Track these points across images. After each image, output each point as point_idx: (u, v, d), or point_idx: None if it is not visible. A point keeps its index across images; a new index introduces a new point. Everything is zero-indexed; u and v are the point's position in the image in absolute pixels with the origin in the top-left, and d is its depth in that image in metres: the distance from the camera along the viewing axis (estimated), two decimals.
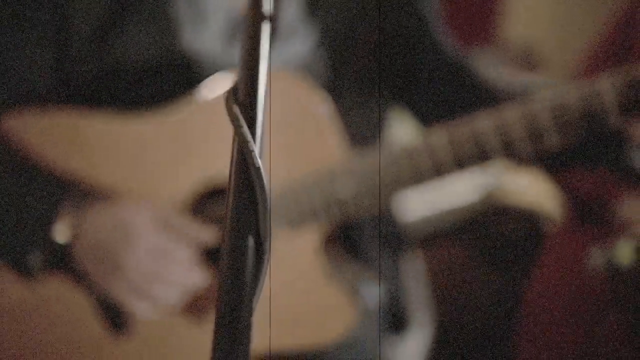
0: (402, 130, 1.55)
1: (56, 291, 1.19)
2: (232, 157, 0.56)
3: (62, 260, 1.13)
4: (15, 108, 1.28)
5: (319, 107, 1.12)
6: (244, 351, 0.44)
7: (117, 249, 1.09)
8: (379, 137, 1.33)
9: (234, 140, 0.57)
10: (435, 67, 1.32)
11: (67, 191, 1.16)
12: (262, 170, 0.53)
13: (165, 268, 1.09)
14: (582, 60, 1.76)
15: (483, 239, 2.67)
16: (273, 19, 0.68)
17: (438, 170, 1.07)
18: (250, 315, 0.47)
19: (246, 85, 0.61)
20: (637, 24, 1.62)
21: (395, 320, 1.41)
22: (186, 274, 1.09)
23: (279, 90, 1.05)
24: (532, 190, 2.43)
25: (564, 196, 1.73)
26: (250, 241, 0.50)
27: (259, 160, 0.54)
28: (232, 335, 0.44)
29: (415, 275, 1.66)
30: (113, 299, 1.13)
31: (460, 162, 1.06)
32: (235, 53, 1.22)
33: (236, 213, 0.52)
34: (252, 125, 0.58)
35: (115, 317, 1.14)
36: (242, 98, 0.60)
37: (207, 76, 1.25)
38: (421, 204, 2.45)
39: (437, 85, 1.32)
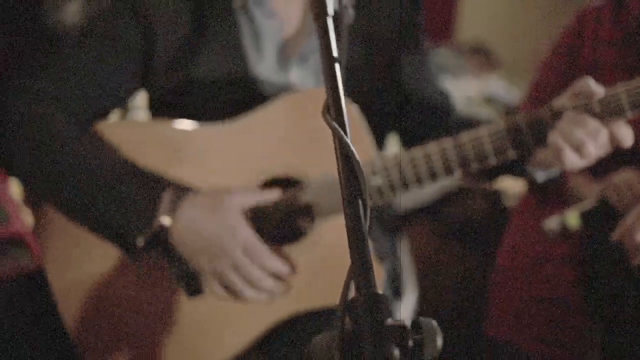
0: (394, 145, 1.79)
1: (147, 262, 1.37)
2: (337, 154, 0.82)
3: (160, 242, 1.30)
4: (104, 116, 1.44)
5: (354, 113, 1.35)
6: (369, 266, 0.72)
7: (221, 237, 1.28)
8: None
9: (335, 142, 0.83)
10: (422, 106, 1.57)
11: (166, 186, 1.31)
12: (360, 162, 0.80)
13: (244, 275, 1.31)
14: (538, 63, 2.00)
15: (450, 217, 2.91)
16: (341, 60, 0.94)
17: (418, 179, 1.33)
18: (367, 243, 0.74)
19: (334, 102, 0.88)
20: (584, 32, 1.87)
21: (394, 287, 1.67)
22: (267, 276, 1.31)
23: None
24: None
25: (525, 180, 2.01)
26: (359, 205, 0.77)
27: (357, 155, 0.80)
28: (362, 252, 0.72)
29: (404, 252, 1.94)
30: (194, 272, 1.33)
31: (432, 174, 1.32)
32: (286, 77, 1.45)
33: (348, 190, 0.78)
34: (344, 129, 0.85)
35: (191, 285, 1.35)
36: (333, 111, 0.87)
37: (265, 96, 1.42)
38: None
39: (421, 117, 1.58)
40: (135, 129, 1.43)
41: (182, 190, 1.31)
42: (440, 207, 2.89)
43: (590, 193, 1.72)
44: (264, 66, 1.44)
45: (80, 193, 1.32)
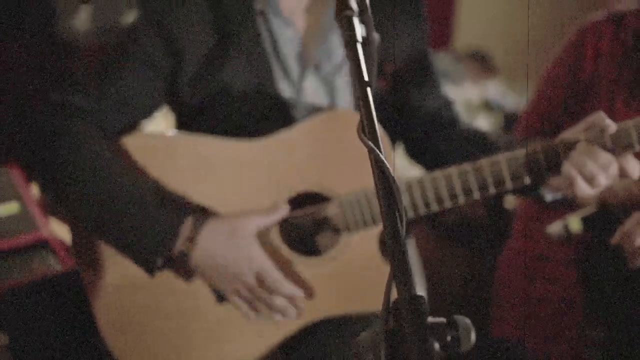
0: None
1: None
2: (373, 171, 0.92)
3: (179, 264, 1.41)
4: (131, 131, 1.51)
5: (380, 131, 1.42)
6: (408, 271, 0.81)
7: (238, 264, 1.37)
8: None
9: (371, 160, 0.92)
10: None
11: (188, 213, 1.39)
12: (396, 178, 0.90)
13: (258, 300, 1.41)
14: (541, 77, 2.08)
15: (449, 220, 2.99)
16: (372, 84, 1.03)
17: (438, 198, 1.40)
18: (405, 250, 0.83)
19: (368, 123, 0.98)
20: (585, 47, 1.95)
21: None
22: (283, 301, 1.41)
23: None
24: None
25: None
26: (396, 217, 0.86)
27: (393, 172, 0.90)
28: (401, 258, 0.82)
29: (413, 251, 2.02)
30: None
31: (452, 195, 1.40)
32: (301, 86, 1.53)
33: (385, 203, 0.88)
34: (378, 148, 0.94)
35: (218, 292, 1.45)
36: (368, 132, 0.96)
37: (288, 105, 1.49)
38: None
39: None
40: (164, 142, 1.49)
41: (202, 217, 1.39)
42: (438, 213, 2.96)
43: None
44: (285, 75, 1.51)
45: (104, 210, 1.39)
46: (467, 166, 1.40)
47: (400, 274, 0.81)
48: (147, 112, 1.54)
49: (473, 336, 0.77)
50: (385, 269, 1.44)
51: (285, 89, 1.51)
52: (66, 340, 1.93)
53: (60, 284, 1.96)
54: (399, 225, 0.86)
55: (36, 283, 1.92)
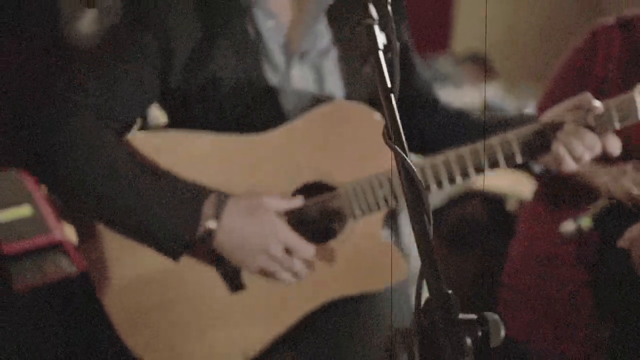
0: None
1: (189, 261, 1.47)
2: (400, 172, 0.95)
3: (204, 245, 1.41)
4: (128, 129, 1.52)
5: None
6: (437, 269, 0.85)
7: (263, 238, 1.41)
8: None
9: (398, 164, 0.96)
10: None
11: (208, 192, 1.41)
12: (421, 180, 0.93)
13: (285, 265, 1.45)
14: (550, 80, 2.11)
15: (452, 222, 3.03)
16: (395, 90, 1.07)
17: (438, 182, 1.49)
18: (433, 250, 0.87)
19: (393, 128, 1.01)
20: (596, 50, 1.98)
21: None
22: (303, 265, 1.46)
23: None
24: (502, 175, 2.69)
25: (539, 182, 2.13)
26: (423, 219, 0.90)
27: (417, 173, 0.93)
28: (430, 258, 0.85)
29: None
30: (235, 270, 1.46)
31: (450, 178, 1.48)
32: (289, 75, 1.54)
33: (412, 202, 0.91)
34: (403, 149, 0.97)
35: (234, 281, 1.48)
36: (392, 134, 1.00)
37: (276, 95, 1.51)
38: None
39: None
40: (166, 140, 1.51)
41: (223, 195, 1.42)
42: (436, 215, 3.00)
43: (597, 181, 1.87)
44: (271, 66, 1.54)
45: (121, 200, 1.40)
46: (464, 150, 1.49)
47: (429, 271, 0.85)
48: (143, 109, 1.56)
49: (502, 331, 0.81)
50: (390, 251, 1.53)
51: (272, 78, 1.54)
52: (79, 341, 1.95)
53: (74, 285, 1.99)
54: (427, 226, 0.90)
55: (50, 285, 1.94)
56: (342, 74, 1.57)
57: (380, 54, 1.11)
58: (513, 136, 1.49)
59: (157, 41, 1.48)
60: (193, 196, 1.40)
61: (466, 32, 4.65)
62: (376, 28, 1.13)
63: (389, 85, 1.08)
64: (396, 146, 0.97)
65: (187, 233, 1.40)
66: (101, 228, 1.49)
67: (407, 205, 0.92)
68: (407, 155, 0.95)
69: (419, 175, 0.94)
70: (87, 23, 3.11)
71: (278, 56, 1.54)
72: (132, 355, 1.54)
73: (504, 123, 1.57)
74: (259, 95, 1.53)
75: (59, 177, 1.44)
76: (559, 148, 1.47)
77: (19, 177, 2.09)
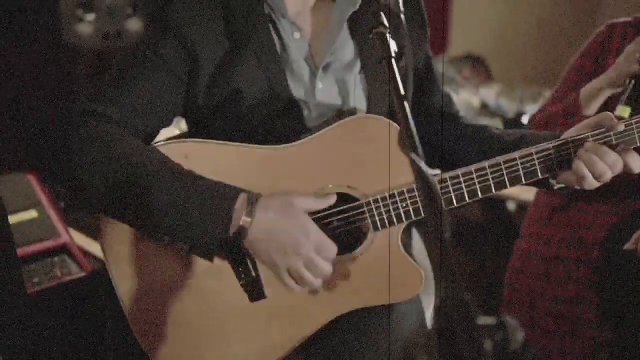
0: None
1: (205, 266, 1.46)
2: (416, 178, 0.97)
3: (235, 243, 1.39)
4: (151, 139, 1.53)
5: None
6: (455, 276, 0.86)
7: (296, 237, 1.38)
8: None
9: (413, 168, 0.98)
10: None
11: (239, 190, 1.39)
12: (437, 185, 0.96)
13: (312, 268, 1.43)
14: (559, 81, 2.14)
15: (452, 222, 3.06)
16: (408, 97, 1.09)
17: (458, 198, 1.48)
18: (452, 257, 0.89)
19: (407, 135, 1.04)
20: (611, 43, 2.03)
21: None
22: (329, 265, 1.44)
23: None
24: None
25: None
26: (439, 226, 0.92)
27: (435, 180, 0.96)
28: (449, 264, 0.87)
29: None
30: (257, 278, 1.45)
31: (472, 193, 1.48)
32: (313, 87, 1.56)
33: (427, 209, 0.93)
34: (418, 155, 1.00)
35: (255, 291, 1.46)
36: (408, 142, 1.02)
37: (300, 108, 1.54)
38: None
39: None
40: (190, 149, 1.49)
41: (253, 194, 1.41)
42: None
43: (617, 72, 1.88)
44: (296, 78, 1.56)
45: (153, 203, 1.38)
46: (484, 164, 1.49)
47: (447, 278, 0.87)
48: (168, 119, 1.57)
49: (521, 336, 0.83)
50: (407, 263, 1.52)
51: (297, 90, 1.55)
52: (86, 342, 1.97)
53: (81, 287, 2.01)
54: (444, 234, 0.92)
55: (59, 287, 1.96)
56: (365, 87, 1.58)
57: (393, 61, 1.13)
58: (534, 151, 1.49)
59: (183, 52, 1.50)
60: (225, 194, 1.39)
61: (463, 35, 4.68)
62: (388, 36, 1.17)
63: (402, 92, 1.09)
64: (412, 152, 0.99)
65: (220, 231, 1.38)
66: (126, 236, 1.49)
67: (423, 210, 0.95)
68: (423, 160, 0.97)
69: (439, 186, 0.96)
70: (87, 25, 3.11)
71: (303, 68, 1.56)
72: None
73: (525, 139, 1.58)
74: (282, 107, 1.54)
75: (87, 185, 1.42)
76: (579, 165, 1.47)
77: (26, 181, 2.11)
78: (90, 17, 3.08)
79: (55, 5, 2.97)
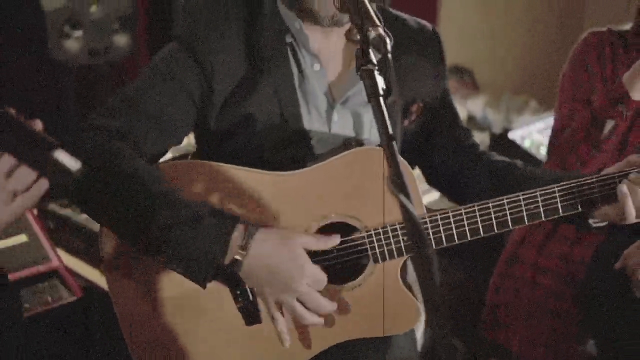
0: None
1: (210, 291, 1.44)
2: (404, 219, 0.99)
3: (229, 273, 1.38)
4: (162, 155, 1.53)
5: (407, 170, 1.47)
6: (442, 315, 0.88)
7: (290, 272, 1.37)
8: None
9: (401, 209, 1.00)
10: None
11: (237, 221, 1.37)
12: (423, 223, 0.97)
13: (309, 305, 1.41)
14: (563, 79, 2.18)
15: None
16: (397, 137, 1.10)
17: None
18: (439, 292, 0.91)
19: (396, 175, 1.05)
20: (600, 61, 2.09)
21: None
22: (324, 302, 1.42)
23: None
24: None
25: None
26: (426, 259, 0.94)
27: (418, 217, 0.98)
28: (435, 303, 0.89)
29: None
30: (254, 304, 1.47)
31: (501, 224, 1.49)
32: (330, 119, 1.58)
33: (414, 244, 0.95)
34: (407, 197, 1.01)
35: (251, 316, 1.48)
36: (396, 180, 1.04)
37: (312, 140, 1.54)
38: None
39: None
40: (194, 169, 1.50)
41: (252, 226, 1.39)
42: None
43: None
44: (312, 109, 1.57)
45: (152, 223, 1.36)
46: (519, 195, 1.49)
47: (435, 322, 0.89)
48: (178, 137, 1.56)
49: None
50: (405, 296, 1.54)
51: (311, 121, 1.57)
52: None
53: (71, 312, 2.01)
54: (431, 268, 0.94)
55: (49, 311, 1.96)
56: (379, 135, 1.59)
57: (381, 100, 1.14)
58: (575, 184, 1.50)
59: (200, 74, 1.51)
60: (223, 225, 1.37)
61: (449, 47, 4.70)
62: (376, 73, 1.18)
63: (390, 131, 1.10)
64: (400, 193, 1.01)
65: (215, 261, 1.37)
66: (126, 253, 1.49)
67: (412, 248, 0.96)
68: (411, 202, 0.99)
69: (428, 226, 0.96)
70: (74, 41, 3.12)
71: (320, 100, 1.57)
72: None
73: (559, 177, 1.57)
74: (293, 136, 1.55)
75: (91, 195, 1.42)
76: (625, 198, 1.47)
77: None
78: (78, 33, 3.09)
79: (43, 22, 2.97)
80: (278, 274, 1.39)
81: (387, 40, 1.20)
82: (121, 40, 3.27)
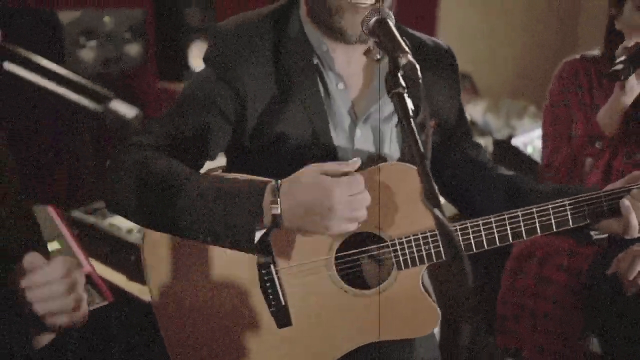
0: None
1: (237, 290, 1.58)
2: (439, 235, 1.09)
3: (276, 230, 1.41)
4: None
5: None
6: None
7: (325, 199, 1.36)
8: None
9: (436, 225, 1.10)
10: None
11: (264, 185, 1.40)
12: (456, 234, 1.08)
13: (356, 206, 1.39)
14: (547, 106, 2.28)
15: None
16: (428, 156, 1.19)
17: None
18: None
19: (429, 191, 1.15)
20: (579, 80, 2.20)
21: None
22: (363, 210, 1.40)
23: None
24: None
25: None
26: (464, 268, 1.04)
27: (452, 228, 1.08)
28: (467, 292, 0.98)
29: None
30: (286, 307, 1.52)
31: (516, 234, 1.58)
32: (352, 137, 1.66)
33: (450, 254, 1.06)
34: (442, 213, 1.11)
35: (282, 318, 1.54)
36: (429, 196, 1.14)
37: (338, 156, 1.61)
38: None
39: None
40: None
41: (275, 183, 1.41)
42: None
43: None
44: (337, 126, 1.66)
45: (192, 209, 1.41)
46: (532, 208, 1.58)
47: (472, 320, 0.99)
48: (212, 155, 1.64)
49: None
50: (426, 301, 1.63)
51: (337, 137, 1.65)
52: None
53: (105, 316, 2.10)
54: (468, 279, 1.04)
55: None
56: (400, 139, 1.69)
57: (412, 121, 1.23)
58: (584, 198, 1.58)
59: (233, 95, 1.59)
60: (254, 191, 1.41)
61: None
62: (405, 96, 1.26)
63: (422, 149, 1.20)
64: (435, 207, 1.11)
65: (256, 224, 1.40)
66: (167, 254, 1.58)
67: (449, 263, 1.07)
68: (443, 214, 1.09)
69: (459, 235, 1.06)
70: (88, 52, 3.21)
71: (344, 117, 1.66)
72: None
73: (562, 192, 1.65)
74: (323, 152, 1.63)
75: (126, 196, 1.47)
76: (628, 211, 1.55)
77: (47, 213, 2.19)
78: (92, 43, 3.18)
79: (60, 33, 3.06)
80: (314, 205, 1.38)
81: (417, 67, 1.30)
82: (132, 49, 3.37)
